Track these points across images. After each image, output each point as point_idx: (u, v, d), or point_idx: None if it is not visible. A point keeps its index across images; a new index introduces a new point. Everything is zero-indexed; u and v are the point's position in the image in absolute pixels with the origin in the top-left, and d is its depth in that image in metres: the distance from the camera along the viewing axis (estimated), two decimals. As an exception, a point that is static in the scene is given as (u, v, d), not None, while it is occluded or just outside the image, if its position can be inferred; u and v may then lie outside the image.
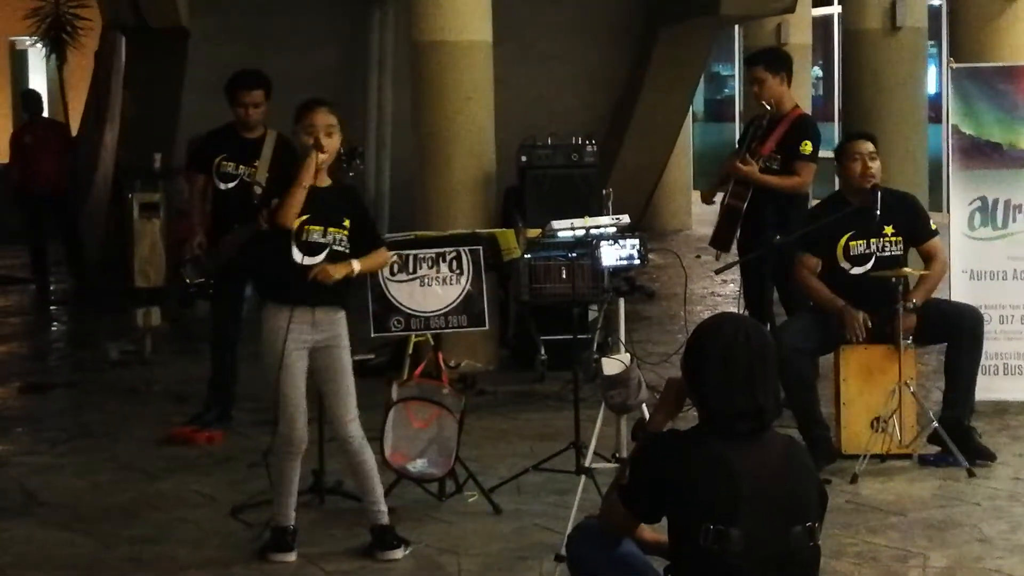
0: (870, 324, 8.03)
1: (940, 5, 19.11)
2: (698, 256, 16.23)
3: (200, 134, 12.99)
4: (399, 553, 6.75)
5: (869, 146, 8.27)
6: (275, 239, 6.61)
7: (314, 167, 6.58)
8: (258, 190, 8.21)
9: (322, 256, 6.61)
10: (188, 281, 9.17)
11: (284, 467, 6.75)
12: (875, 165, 8.22)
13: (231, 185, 8.96)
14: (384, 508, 6.82)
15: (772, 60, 9.45)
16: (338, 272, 6.59)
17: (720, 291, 14.58)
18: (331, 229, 6.64)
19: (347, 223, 6.68)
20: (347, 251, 6.67)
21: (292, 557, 6.73)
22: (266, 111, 8.97)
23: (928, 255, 8.31)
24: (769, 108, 9.25)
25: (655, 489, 4.21)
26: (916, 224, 8.33)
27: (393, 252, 7.69)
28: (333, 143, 6.67)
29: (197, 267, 9.15)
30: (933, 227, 8.40)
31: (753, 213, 9.20)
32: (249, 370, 9.28)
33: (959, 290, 9.22)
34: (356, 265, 6.67)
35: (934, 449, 8.13)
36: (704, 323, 4.35)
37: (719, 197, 9.53)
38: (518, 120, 12.51)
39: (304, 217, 6.59)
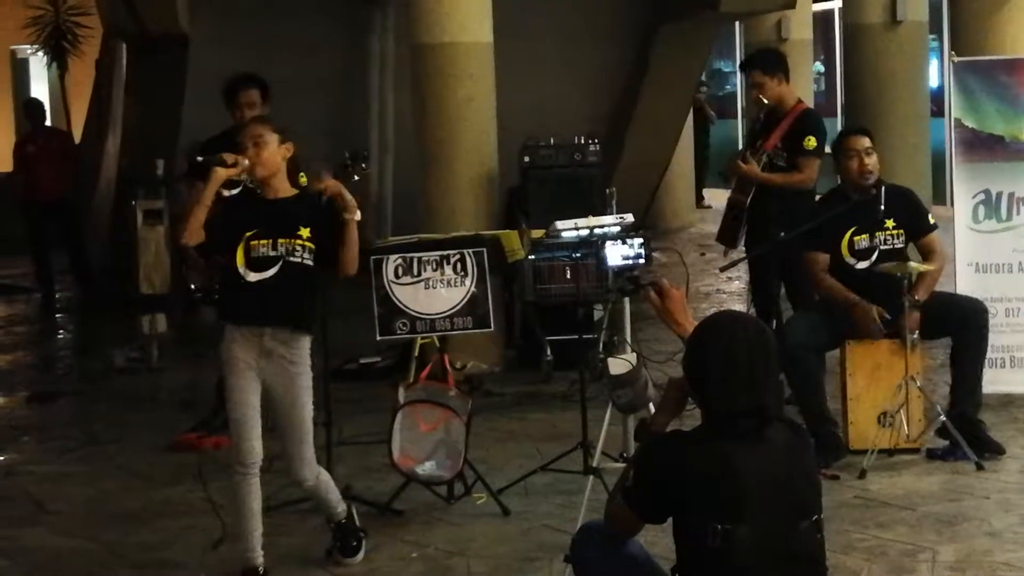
0: (887, 316, 8.01)
1: (941, -2, 19.09)
2: (703, 253, 16.23)
3: (197, 140, 13.03)
4: (359, 556, 6.72)
5: (865, 141, 8.25)
6: (225, 257, 6.39)
7: (214, 184, 6.31)
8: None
9: (274, 270, 6.30)
10: (192, 287, 9.15)
11: (236, 490, 6.39)
12: (872, 160, 8.20)
13: (235, 191, 8.94)
14: (341, 508, 6.69)
15: (766, 62, 9.46)
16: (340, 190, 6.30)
17: (725, 288, 14.57)
18: (282, 240, 6.32)
19: (305, 232, 6.34)
20: (307, 262, 6.33)
21: None
22: (264, 113, 8.90)
23: (927, 249, 8.30)
24: (766, 102, 9.27)
25: (659, 490, 4.21)
26: (916, 218, 8.32)
27: (398, 255, 7.69)
28: (266, 152, 6.36)
29: (201, 273, 9.13)
30: (932, 221, 8.40)
31: (759, 209, 9.22)
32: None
33: (964, 283, 9.20)
34: (358, 214, 6.33)
35: (942, 443, 8.12)
36: (705, 321, 4.34)
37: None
38: (520, 120, 12.51)
39: (250, 233, 6.33)
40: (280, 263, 6.33)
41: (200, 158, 6.48)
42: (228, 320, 6.44)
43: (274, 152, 6.41)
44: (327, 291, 6.83)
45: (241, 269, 6.34)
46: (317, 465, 6.56)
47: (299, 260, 6.34)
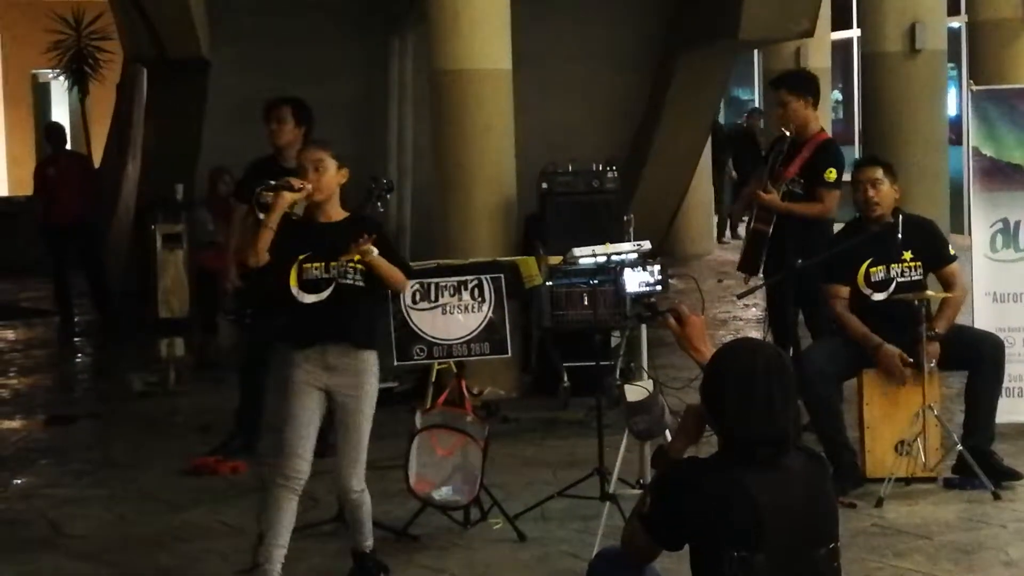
0: (910, 360, 8.02)
1: (959, 27, 19.11)
2: (720, 280, 16.23)
3: (222, 165, 13.08)
4: None
5: (873, 172, 8.23)
6: (275, 280, 6.49)
7: (280, 208, 6.43)
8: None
9: (328, 292, 6.44)
10: (225, 312, 9.18)
11: (275, 502, 6.48)
12: (881, 190, 8.17)
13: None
14: (370, 541, 6.71)
15: (797, 83, 9.42)
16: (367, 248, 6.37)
17: (743, 315, 14.56)
18: (334, 263, 6.44)
19: (356, 255, 6.45)
20: (359, 283, 6.47)
21: None
22: (299, 135, 8.90)
23: (947, 280, 8.30)
24: (788, 133, 9.25)
25: (676, 517, 4.21)
26: (935, 249, 8.31)
27: (415, 280, 7.71)
28: (325, 177, 6.50)
29: (237, 298, 9.23)
30: (952, 252, 8.38)
31: (777, 237, 9.21)
32: (276, 401, 9.29)
33: (982, 312, 9.20)
34: (375, 250, 6.41)
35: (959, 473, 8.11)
36: (722, 349, 4.35)
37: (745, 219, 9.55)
38: (538, 147, 12.54)
39: (303, 256, 6.46)
40: (333, 285, 6.46)
41: (273, 182, 6.61)
42: (290, 345, 6.58)
43: (332, 177, 6.55)
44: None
45: (295, 291, 6.48)
46: (363, 498, 6.61)
47: (351, 282, 6.47)
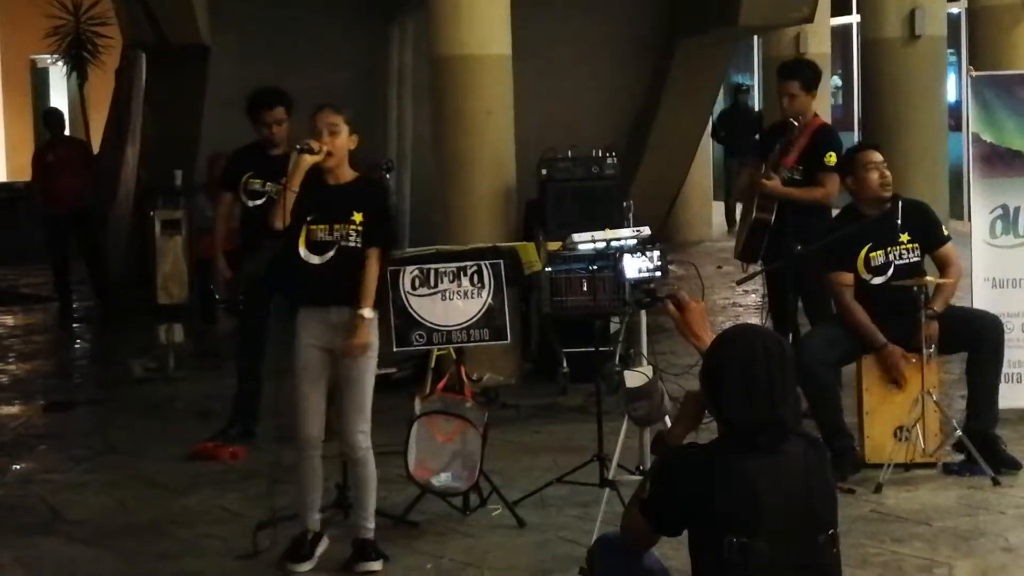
0: (913, 360, 8.04)
1: (959, 13, 19.08)
2: (719, 267, 16.22)
3: (220, 151, 13.06)
4: (377, 565, 6.77)
5: (879, 155, 8.29)
6: (286, 241, 6.71)
7: (300, 170, 6.61)
8: None
9: (331, 254, 6.66)
10: (218, 298, 9.21)
11: (300, 466, 6.79)
12: (888, 172, 8.24)
13: (259, 202, 8.97)
14: (371, 524, 6.83)
15: (807, 78, 9.38)
16: (361, 341, 6.63)
17: (742, 301, 14.56)
18: (337, 226, 6.66)
19: (358, 217, 6.69)
20: (358, 246, 6.67)
21: (306, 567, 6.76)
22: (289, 128, 8.99)
23: (942, 261, 8.32)
24: (795, 123, 9.23)
25: (676, 503, 4.22)
26: (930, 231, 8.34)
27: (415, 266, 7.72)
28: (339, 141, 6.69)
29: (227, 286, 9.26)
30: (946, 233, 8.42)
31: (776, 224, 9.21)
32: (273, 386, 9.31)
33: (981, 298, 9.20)
34: (367, 313, 6.66)
35: (958, 457, 8.11)
36: (722, 335, 4.35)
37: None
38: (538, 133, 12.52)
39: (310, 217, 6.66)
40: (336, 247, 6.67)
41: (299, 146, 6.71)
42: (297, 303, 6.81)
43: (344, 142, 6.74)
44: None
45: (303, 252, 6.69)
46: (369, 457, 6.80)
47: (353, 244, 6.68)
